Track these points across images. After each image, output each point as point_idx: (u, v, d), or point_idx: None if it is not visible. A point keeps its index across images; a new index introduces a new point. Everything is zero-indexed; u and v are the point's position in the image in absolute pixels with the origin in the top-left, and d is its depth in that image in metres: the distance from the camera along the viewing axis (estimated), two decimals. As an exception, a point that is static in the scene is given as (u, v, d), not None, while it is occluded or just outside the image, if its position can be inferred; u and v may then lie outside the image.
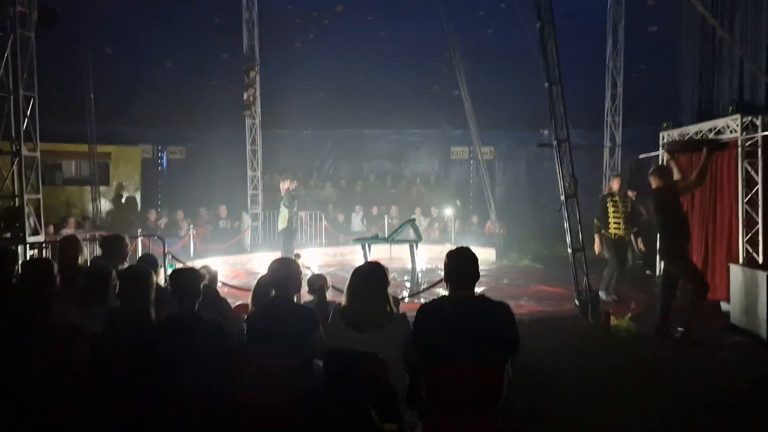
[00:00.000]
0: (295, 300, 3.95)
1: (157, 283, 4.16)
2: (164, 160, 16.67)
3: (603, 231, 8.61)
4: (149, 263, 5.01)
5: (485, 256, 12.80)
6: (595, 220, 8.75)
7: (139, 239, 9.43)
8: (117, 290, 3.79)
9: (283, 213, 11.10)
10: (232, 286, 8.46)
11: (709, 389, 4.87)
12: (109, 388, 3.27)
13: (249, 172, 14.31)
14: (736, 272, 6.83)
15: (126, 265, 4.75)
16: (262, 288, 3.68)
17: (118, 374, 3.31)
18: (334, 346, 3.47)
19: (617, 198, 8.62)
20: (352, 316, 3.53)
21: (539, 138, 17.39)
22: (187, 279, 3.58)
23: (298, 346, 3.43)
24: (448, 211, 14.93)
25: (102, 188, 14.57)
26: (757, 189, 7.88)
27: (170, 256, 8.16)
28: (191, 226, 12.90)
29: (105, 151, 14.66)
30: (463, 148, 17.76)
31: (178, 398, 3.18)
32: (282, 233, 11.31)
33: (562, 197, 7.26)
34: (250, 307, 3.72)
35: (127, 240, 5.34)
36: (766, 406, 4.57)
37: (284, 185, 11.25)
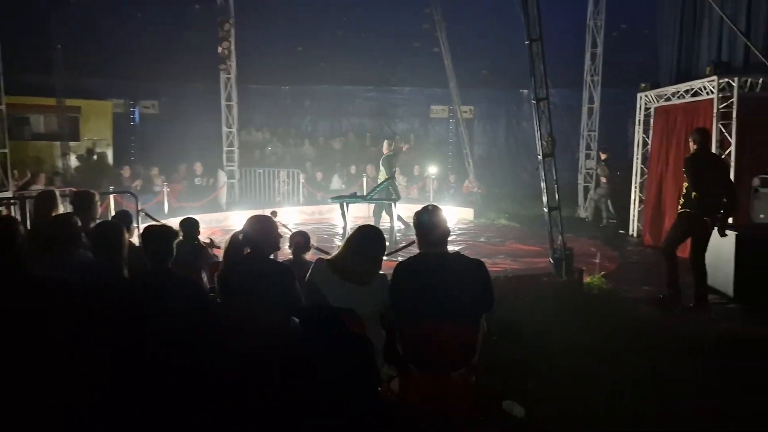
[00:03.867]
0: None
1: (131, 242, 4.10)
2: (137, 115, 16.26)
3: None
4: (123, 220, 4.93)
5: (463, 215, 12.86)
6: None
7: (111, 196, 9.25)
8: (87, 241, 3.72)
9: (383, 174, 10.79)
10: (212, 245, 8.37)
11: (677, 343, 5.02)
12: (82, 342, 3.23)
13: (224, 129, 14.07)
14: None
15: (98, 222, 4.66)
16: (235, 245, 3.62)
17: (92, 329, 3.27)
18: (317, 296, 3.49)
19: None
20: (342, 266, 3.53)
21: (519, 97, 17.41)
22: (159, 236, 3.51)
23: (274, 303, 3.42)
24: (431, 170, 14.86)
25: (72, 144, 14.19)
26: (731, 150, 7.97)
27: (143, 213, 8.02)
28: (165, 183, 12.70)
29: (74, 105, 14.22)
30: (443, 106, 17.62)
31: (149, 357, 3.16)
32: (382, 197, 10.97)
33: (540, 156, 7.26)
34: (222, 264, 3.67)
35: (98, 197, 5.22)
36: (730, 358, 4.72)
37: (385, 148, 11.00)
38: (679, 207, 6.20)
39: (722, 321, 5.74)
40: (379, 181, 10.95)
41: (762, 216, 7.24)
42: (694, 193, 5.95)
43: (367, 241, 3.58)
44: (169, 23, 14.97)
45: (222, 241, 4.37)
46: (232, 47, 13.58)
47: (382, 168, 10.97)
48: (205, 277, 4.97)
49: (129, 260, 3.85)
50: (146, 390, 3.11)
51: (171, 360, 3.17)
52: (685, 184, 6.15)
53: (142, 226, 5.31)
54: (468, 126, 15.88)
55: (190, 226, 5.44)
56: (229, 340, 3.34)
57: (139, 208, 7.94)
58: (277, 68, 15.59)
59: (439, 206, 3.55)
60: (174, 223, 5.84)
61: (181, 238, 5.12)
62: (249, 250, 3.66)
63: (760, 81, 7.91)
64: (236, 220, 11.79)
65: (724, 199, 5.95)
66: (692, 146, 6.17)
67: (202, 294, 3.51)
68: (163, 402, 3.09)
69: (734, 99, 7.94)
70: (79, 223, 4.00)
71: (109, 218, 5.95)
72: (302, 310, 3.41)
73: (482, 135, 18.12)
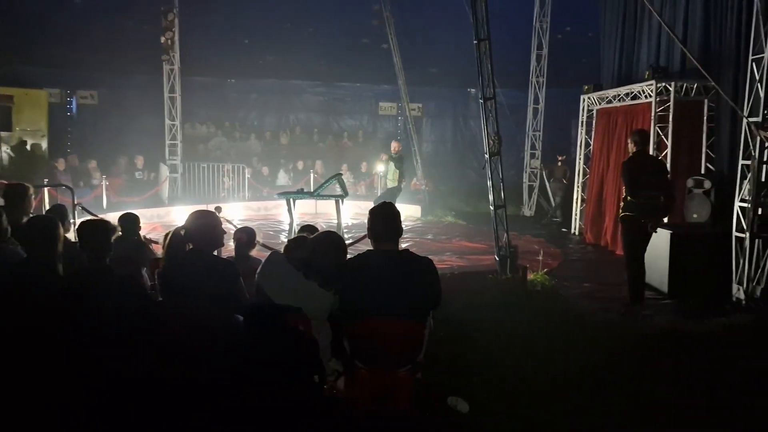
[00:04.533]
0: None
1: (66, 237, 3.91)
2: (74, 106, 15.59)
3: None
4: (58, 214, 4.70)
5: (411, 212, 12.93)
6: None
7: (46, 190, 8.83)
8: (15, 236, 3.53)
9: (393, 173, 11.56)
10: (151, 240, 8.12)
11: (618, 337, 5.18)
12: (13, 343, 3.06)
13: (167, 121, 13.68)
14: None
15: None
16: (177, 241, 3.50)
17: (24, 329, 3.10)
18: (262, 293, 3.43)
19: None
20: (306, 263, 3.54)
21: (467, 96, 17.63)
22: (96, 232, 3.36)
23: (216, 301, 3.33)
24: (379, 167, 14.87)
25: (3, 134, 13.48)
26: (667, 152, 8.28)
27: (80, 207, 7.69)
28: (104, 177, 12.24)
29: (6, 93, 13.49)
30: (391, 103, 17.66)
31: (86, 358, 3.02)
32: (389, 190, 11.54)
33: (487, 155, 7.36)
34: (162, 261, 3.55)
35: (32, 190, 4.96)
36: (665, 352, 4.91)
37: (396, 145, 11.91)
38: (621, 212, 6.30)
39: (658, 316, 5.96)
40: (388, 183, 11.70)
41: (695, 216, 7.56)
42: (629, 197, 6.04)
43: (339, 245, 3.66)
44: (110, 10, 14.38)
45: (161, 237, 4.24)
46: (176, 38, 13.20)
47: (393, 167, 11.43)
48: (145, 274, 4.81)
49: (64, 257, 3.68)
50: (84, 391, 2.98)
51: (109, 360, 3.05)
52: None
53: (79, 221, 5.08)
54: (416, 123, 15.96)
55: (131, 221, 5.25)
56: (169, 338, 3.24)
57: (76, 202, 7.62)
58: (223, 61, 15.24)
59: (394, 204, 3.55)
60: (113, 218, 5.63)
61: (119, 233, 4.94)
62: (191, 247, 3.55)
63: (695, 86, 8.25)
64: (178, 215, 11.50)
65: (662, 199, 6.04)
66: (631, 147, 6.27)
67: (142, 292, 3.39)
68: (101, 401, 2.97)
69: (671, 103, 8.25)
70: (5, 218, 3.77)
71: (44, 213, 5.68)
72: (246, 307, 3.34)
73: (430, 133, 18.26)
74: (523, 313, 5.80)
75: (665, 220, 6.49)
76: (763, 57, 5.96)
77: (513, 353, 4.66)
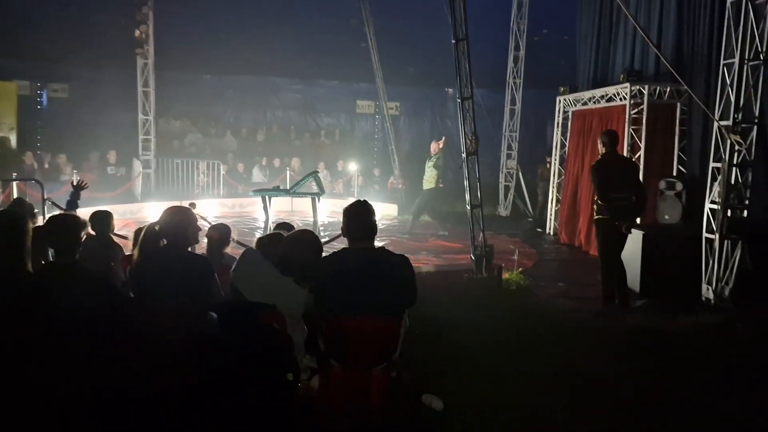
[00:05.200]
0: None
1: (35, 231, 3.81)
2: (44, 99, 15.25)
3: None
4: (21, 207, 4.59)
5: (387, 211, 12.92)
6: None
7: (15, 184, 8.63)
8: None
9: (431, 174, 11.15)
10: (119, 236, 7.98)
11: (591, 336, 5.24)
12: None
13: (141, 116, 13.46)
14: (618, 231, 7.29)
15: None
16: (150, 237, 3.45)
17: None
18: (237, 291, 3.39)
19: None
20: (284, 260, 3.53)
21: (445, 96, 17.69)
22: (65, 227, 3.28)
23: (190, 298, 3.28)
24: (353, 166, 14.85)
25: (-30, 127, 13.15)
26: (640, 154, 8.41)
27: (50, 202, 7.53)
28: (75, 171, 12.00)
29: (-27, 85, 13.18)
30: (369, 102, 17.61)
31: (57, 357, 2.95)
32: (426, 192, 11.26)
33: (464, 155, 7.38)
34: (135, 257, 3.48)
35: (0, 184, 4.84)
36: (637, 349, 4.98)
37: (435, 146, 11.35)
38: (594, 214, 6.35)
39: (630, 315, 6.03)
40: (424, 185, 11.34)
41: (667, 217, 7.67)
42: (599, 201, 6.08)
43: (314, 244, 3.65)
44: (84, 2, 14.11)
45: (131, 233, 4.17)
46: (150, 31, 13.00)
47: (433, 169, 11.14)
48: (118, 271, 4.72)
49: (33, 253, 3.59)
50: (57, 390, 2.91)
51: (80, 359, 2.98)
52: None
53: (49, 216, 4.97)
54: (394, 122, 15.96)
55: (103, 217, 5.15)
56: (141, 336, 3.18)
57: (46, 197, 7.46)
58: (199, 56, 15.03)
59: (369, 202, 3.53)
60: (84, 213, 5.51)
61: (90, 229, 4.84)
62: (165, 243, 3.49)
63: (668, 89, 8.39)
64: (151, 212, 11.33)
65: (634, 199, 6.07)
66: (600, 148, 6.34)
67: (113, 289, 3.31)
68: (74, 400, 2.91)
69: (644, 106, 8.38)
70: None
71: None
72: (220, 305, 3.30)
73: (408, 132, 18.26)
74: (499, 311, 5.84)
75: (638, 220, 6.57)
76: (733, 62, 6.07)
77: (488, 351, 4.68)
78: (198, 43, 14.46)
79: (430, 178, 11.32)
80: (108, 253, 4.85)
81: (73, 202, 5.41)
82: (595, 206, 6.32)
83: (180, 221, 3.48)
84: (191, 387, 3.08)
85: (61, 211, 5.40)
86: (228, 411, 3.06)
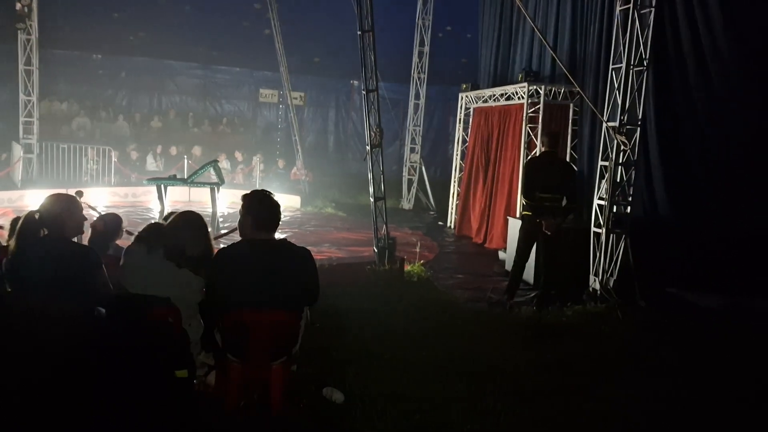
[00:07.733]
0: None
1: None
2: None
3: None
4: None
5: (290, 202, 12.72)
6: None
7: None
8: None
9: None
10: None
11: (487, 326, 5.41)
12: None
13: (22, 96, 12.39)
14: (513, 224, 7.60)
15: None
16: (29, 226, 3.16)
17: None
18: (132, 284, 3.26)
19: None
20: (175, 251, 3.39)
21: (350, 87, 17.67)
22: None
23: (75, 291, 3.05)
24: (255, 157, 14.50)
25: None
26: (536, 152, 8.78)
27: None
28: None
29: None
30: (273, 91, 17.26)
31: None
32: None
33: (368, 146, 7.38)
34: (11, 247, 3.19)
35: None
36: (530, 337, 5.20)
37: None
38: (522, 210, 6.50)
39: (524, 306, 6.28)
40: None
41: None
42: (523, 197, 6.21)
43: (196, 222, 3.53)
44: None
45: (8, 222, 3.83)
46: (34, 5, 11.97)
47: None
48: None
49: None
50: None
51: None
52: None
53: None
54: (298, 113, 15.74)
55: None
56: (20, 333, 2.92)
57: None
58: (89, 34, 14.09)
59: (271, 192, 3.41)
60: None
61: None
62: (46, 233, 3.22)
63: (563, 90, 8.81)
64: (33, 199, 10.48)
65: (564, 201, 6.12)
66: (540, 147, 6.46)
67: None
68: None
69: (541, 105, 8.76)
70: None
71: None
72: (108, 298, 3.09)
73: (312, 122, 18.09)
74: (400, 303, 5.90)
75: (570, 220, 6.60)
76: (621, 67, 6.46)
77: (389, 342, 4.71)
78: (87, 19, 13.55)
79: None
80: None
81: None
82: (523, 202, 6.42)
83: (62, 209, 3.24)
84: (74, 384, 2.88)
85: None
86: (116, 409, 2.88)
